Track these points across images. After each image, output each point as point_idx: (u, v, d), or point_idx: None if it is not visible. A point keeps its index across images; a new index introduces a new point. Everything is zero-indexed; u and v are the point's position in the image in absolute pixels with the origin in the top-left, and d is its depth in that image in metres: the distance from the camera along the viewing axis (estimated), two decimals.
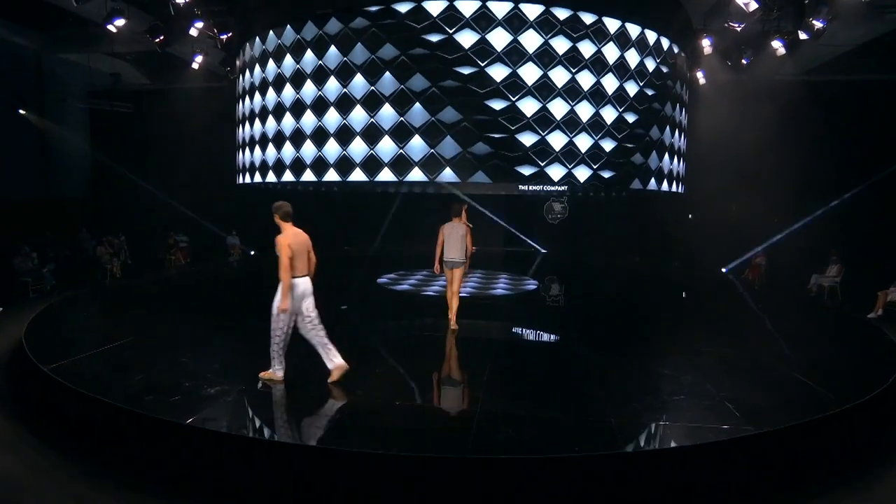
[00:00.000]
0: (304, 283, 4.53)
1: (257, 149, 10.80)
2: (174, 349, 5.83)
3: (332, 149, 9.47)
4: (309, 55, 9.46)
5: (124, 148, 15.06)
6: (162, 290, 10.15)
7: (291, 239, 4.44)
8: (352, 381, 4.83)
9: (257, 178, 11.03)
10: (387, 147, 9.18)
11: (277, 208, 4.56)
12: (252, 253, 15.40)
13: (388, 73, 8.92)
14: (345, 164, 9.43)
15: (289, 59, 9.72)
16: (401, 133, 9.08)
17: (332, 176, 9.58)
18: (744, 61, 10.59)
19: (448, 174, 9.00)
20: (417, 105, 8.92)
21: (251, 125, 10.80)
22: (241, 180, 11.86)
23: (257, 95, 10.42)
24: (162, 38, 11.01)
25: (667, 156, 10.64)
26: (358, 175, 9.31)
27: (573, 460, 3.31)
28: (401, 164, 9.15)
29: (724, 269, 13.07)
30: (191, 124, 14.00)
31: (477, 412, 4.14)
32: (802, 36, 9.08)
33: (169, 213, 14.94)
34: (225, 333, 6.62)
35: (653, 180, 10.33)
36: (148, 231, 14.62)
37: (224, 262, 14.29)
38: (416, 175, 9.09)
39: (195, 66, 12.31)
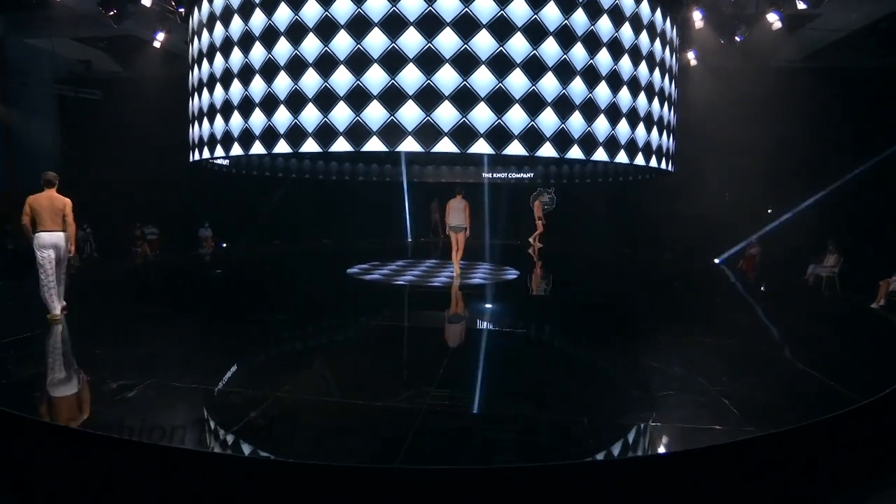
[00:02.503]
0: (50, 236, 5.41)
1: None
2: (95, 341, 5.19)
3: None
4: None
5: (96, 137, 14.15)
6: (111, 282, 9.33)
7: (34, 200, 5.39)
8: (283, 376, 4.12)
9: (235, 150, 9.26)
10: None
11: (41, 176, 5.53)
12: (224, 245, 14.64)
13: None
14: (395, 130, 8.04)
15: (258, 14, 8.64)
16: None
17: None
18: (737, 38, 9.95)
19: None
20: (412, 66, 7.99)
21: (225, 88, 9.28)
22: (196, 156, 10.42)
23: (219, 57, 9.19)
24: (115, 11, 10.25)
25: (654, 129, 9.80)
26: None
27: (525, 472, 2.59)
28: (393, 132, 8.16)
29: (716, 261, 12.46)
30: (164, 113, 13.21)
31: (422, 411, 3.41)
32: (801, 5, 8.44)
33: (141, 205, 14.17)
34: (160, 325, 5.84)
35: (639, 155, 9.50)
36: (119, 223, 13.83)
37: (193, 254, 13.51)
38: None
39: (157, 44, 11.60)
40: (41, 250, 5.37)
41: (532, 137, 8.19)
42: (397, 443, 2.99)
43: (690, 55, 11.18)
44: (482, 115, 7.99)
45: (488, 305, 7.17)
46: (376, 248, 13.46)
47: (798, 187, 11.95)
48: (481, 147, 8.07)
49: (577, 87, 8.35)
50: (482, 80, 7.91)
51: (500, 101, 7.99)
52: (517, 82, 8.01)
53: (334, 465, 2.68)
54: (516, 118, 8.10)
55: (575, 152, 8.54)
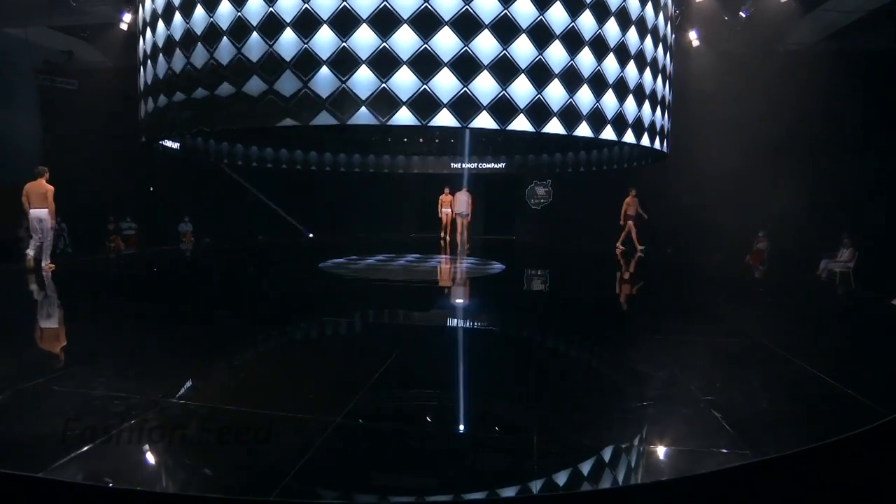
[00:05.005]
0: (35, 212, 7.43)
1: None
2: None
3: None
4: None
5: (77, 129, 13.57)
6: (63, 278, 8.72)
7: (28, 186, 7.41)
8: (190, 379, 3.47)
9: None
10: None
11: (35, 169, 7.54)
12: (207, 240, 14.05)
13: None
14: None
15: None
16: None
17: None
18: (742, 14, 9.17)
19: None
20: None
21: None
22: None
23: (177, 17, 8.07)
24: None
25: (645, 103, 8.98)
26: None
27: None
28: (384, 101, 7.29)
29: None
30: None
31: (333, 424, 2.74)
32: None
33: (122, 199, 13.64)
34: (83, 322, 5.24)
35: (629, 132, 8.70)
36: (98, 217, 13.32)
37: (170, 249, 12.93)
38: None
39: (124, 26, 11.11)
40: (31, 221, 7.53)
41: (538, 112, 7.48)
42: (284, 467, 2.32)
43: (692, 35, 10.39)
44: (485, 86, 7.27)
45: (459, 300, 6.49)
46: (363, 242, 12.83)
47: (810, 177, 11.13)
48: (484, 121, 7.37)
49: (586, 60, 7.68)
50: (485, 46, 7.20)
51: (504, 70, 7.27)
52: (523, 50, 7.32)
53: (183, 496, 2.02)
54: (522, 90, 7.40)
55: (583, 129, 7.86)
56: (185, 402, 3.07)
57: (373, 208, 15.02)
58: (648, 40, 8.37)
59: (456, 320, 5.52)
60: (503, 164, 13.87)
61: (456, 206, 11.51)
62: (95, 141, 13.33)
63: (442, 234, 12.47)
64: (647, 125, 8.58)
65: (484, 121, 7.39)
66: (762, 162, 10.93)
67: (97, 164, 13.35)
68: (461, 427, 2.82)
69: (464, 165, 13.78)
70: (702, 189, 11.57)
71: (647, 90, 8.51)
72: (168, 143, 10.38)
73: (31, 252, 7.64)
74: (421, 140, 13.56)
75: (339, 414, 2.88)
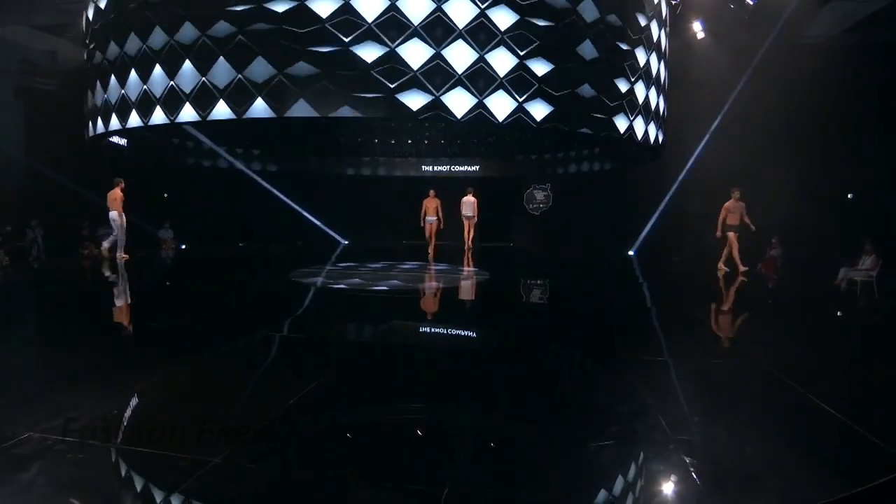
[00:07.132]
0: (111, 213, 9.36)
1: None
2: None
3: None
4: None
5: (60, 131, 13.39)
6: (15, 283, 8.37)
7: (109, 194, 9.32)
8: (65, 406, 2.98)
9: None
10: None
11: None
12: (183, 246, 13.67)
13: None
14: None
15: None
16: None
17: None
18: (749, 1, 8.53)
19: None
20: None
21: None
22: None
23: None
24: None
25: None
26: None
27: None
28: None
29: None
30: None
31: (207, 466, 2.23)
32: None
33: (101, 203, 13.37)
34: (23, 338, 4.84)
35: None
36: (76, 222, 13.05)
37: (145, 256, 12.50)
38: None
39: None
40: (110, 220, 9.27)
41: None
42: None
43: (697, 26, 9.72)
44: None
45: (424, 311, 5.92)
46: (350, 249, 12.37)
47: (828, 179, 10.33)
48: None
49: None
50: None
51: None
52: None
53: None
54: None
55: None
56: (48, 435, 2.59)
57: (363, 214, 14.51)
58: (654, 24, 7.80)
59: (410, 334, 4.94)
60: (477, 167, 13.46)
61: (463, 209, 11.77)
62: (74, 143, 13.10)
63: (427, 244, 11.72)
64: (645, 119, 7.99)
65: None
66: (774, 162, 10.17)
67: (75, 166, 13.08)
68: (358, 475, 2.28)
69: (435, 168, 13.44)
70: (708, 192, 10.84)
71: (645, 82, 7.92)
72: (116, 140, 10.19)
73: (106, 244, 9.58)
74: (409, 142, 13.08)
75: (221, 453, 2.37)
